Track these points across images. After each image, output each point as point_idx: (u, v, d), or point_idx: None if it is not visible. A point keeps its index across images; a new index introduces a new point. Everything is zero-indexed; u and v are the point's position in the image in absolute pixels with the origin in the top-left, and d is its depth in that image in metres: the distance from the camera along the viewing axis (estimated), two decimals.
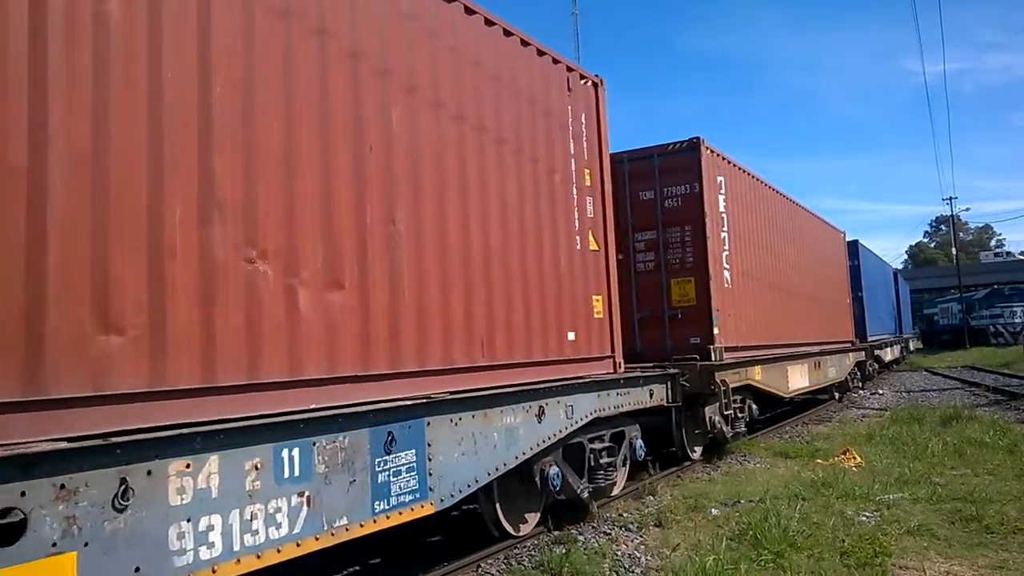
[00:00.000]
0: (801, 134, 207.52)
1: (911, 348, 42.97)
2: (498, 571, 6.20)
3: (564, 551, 6.23)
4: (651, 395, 8.38)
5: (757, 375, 11.74)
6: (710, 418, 10.22)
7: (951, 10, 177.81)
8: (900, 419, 13.83)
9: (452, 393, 5.47)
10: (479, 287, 6.09)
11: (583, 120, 7.92)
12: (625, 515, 7.66)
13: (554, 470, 6.68)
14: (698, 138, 10.97)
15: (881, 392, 21.67)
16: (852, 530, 6.54)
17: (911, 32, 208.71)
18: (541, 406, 6.42)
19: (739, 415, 11.22)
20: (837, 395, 19.14)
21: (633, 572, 5.92)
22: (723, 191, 11.65)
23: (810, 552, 5.91)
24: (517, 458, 6.07)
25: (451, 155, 5.93)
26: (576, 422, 6.92)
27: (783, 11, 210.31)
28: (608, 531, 7.08)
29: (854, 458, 10.14)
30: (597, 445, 7.49)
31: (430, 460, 5.17)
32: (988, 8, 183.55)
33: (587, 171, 7.91)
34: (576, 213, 7.63)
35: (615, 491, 8.23)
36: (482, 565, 6.29)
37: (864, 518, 7.03)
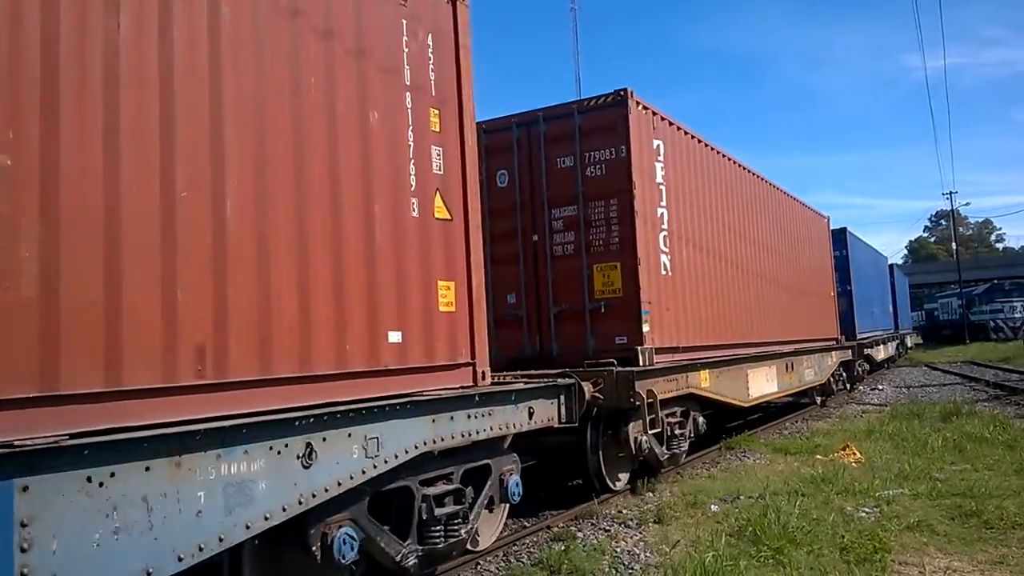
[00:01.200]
0: (801, 130, 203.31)
1: (909, 345, 40.69)
2: (497, 568, 6.08)
3: (563, 548, 6.15)
4: (531, 415, 6.15)
5: (704, 382, 9.50)
6: (634, 439, 7.99)
7: (951, 5, 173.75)
8: (900, 415, 13.62)
9: (82, 435, 3.25)
10: (197, 263, 3.88)
11: (429, 42, 5.69)
12: (624, 512, 7.55)
13: (344, 533, 4.47)
14: (626, 90, 8.73)
15: (881, 388, 21.23)
16: (852, 526, 6.43)
17: (911, 28, 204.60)
18: (309, 443, 4.20)
19: (678, 432, 8.97)
20: (819, 399, 16.85)
21: (633, 569, 5.82)
22: (661, 158, 9.41)
23: (810, 548, 5.79)
24: (251, 526, 3.85)
25: (144, 42, 3.71)
26: (386, 461, 4.71)
27: (783, 7, 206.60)
28: (607, 528, 6.96)
29: (854, 454, 9.87)
30: (437, 489, 5.28)
31: (26, 550, 2.96)
32: (988, 3, 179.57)
33: (434, 112, 5.70)
34: (412, 167, 5.42)
35: (480, 546, 6.04)
36: (480, 562, 6.14)
37: (864, 514, 6.89)
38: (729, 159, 11.71)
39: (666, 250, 9.30)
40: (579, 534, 6.71)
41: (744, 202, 12.23)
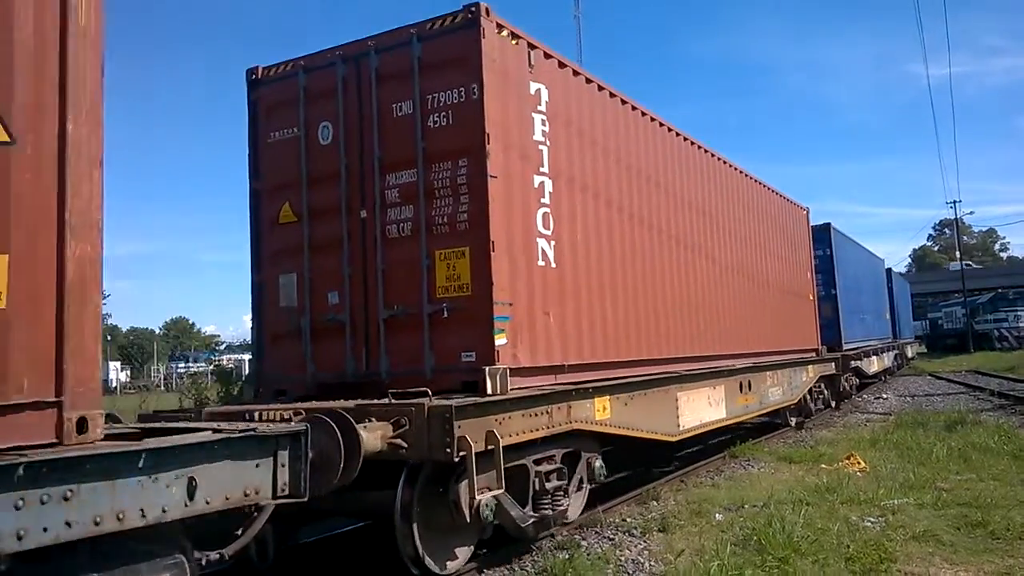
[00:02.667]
0: (805, 139, 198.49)
1: (910, 355, 37.65)
2: None
3: (567, 556, 5.91)
4: (192, 491, 3.45)
5: (601, 412, 6.76)
6: (471, 502, 5.24)
7: (955, 14, 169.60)
8: (904, 424, 13.19)
9: None
10: None
11: None
12: (628, 520, 7.22)
13: None
14: (478, 5, 6.04)
15: (885, 397, 20.63)
16: (857, 535, 6.21)
17: (915, 37, 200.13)
18: None
19: (552, 485, 6.20)
20: (794, 421, 14.01)
21: None
22: (543, 107, 6.71)
23: (815, 558, 5.57)
24: None
25: None
26: None
27: (786, 16, 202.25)
28: (611, 536, 6.64)
29: (858, 463, 9.58)
30: None
31: None
32: (992, 12, 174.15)
33: None
34: None
35: None
36: (485, 571, 5.89)
37: (869, 523, 6.69)
38: (659, 123, 8.98)
39: (547, 233, 6.60)
40: (583, 543, 6.43)
41: (674, 177, 9.47)
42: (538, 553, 6.18)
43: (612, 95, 7.98)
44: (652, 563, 5.86)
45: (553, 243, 6.69)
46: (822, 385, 15.36)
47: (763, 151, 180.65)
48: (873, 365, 21.82)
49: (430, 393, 5.23)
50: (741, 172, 11.72)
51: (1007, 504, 7.03)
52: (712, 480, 9.19)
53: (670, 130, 9.26)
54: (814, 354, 14.72)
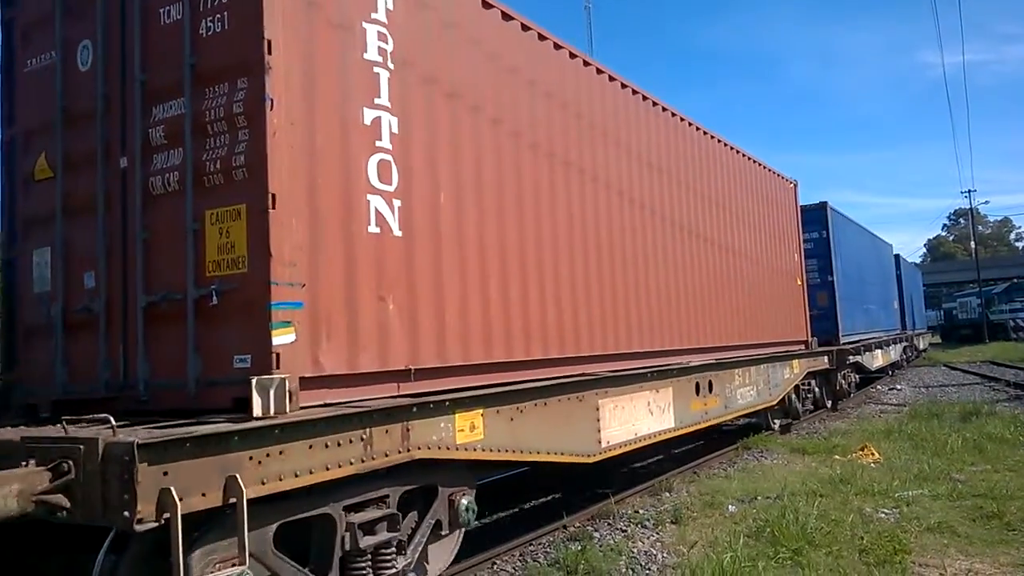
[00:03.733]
0: (817, 128, 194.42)
1: (921, 347, 35.32)
2: (513, 568, 5.73)
3: (580, 548, 5.82)
4: None
5: (468, 432, 4.83)
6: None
7: (968, 1, 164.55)
8: (918, 415, 13.00)
9: None
10: None
11: None
12: (641, 512, 7.12)
13: None
14: None
15: (899, 387, 20.20)
16: (871, 527, 6.12)
17: (926, 24, 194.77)
18: None
19: (368, 542, 4.24)
20: (777, 424, 12.00)
21: (649, 570, 5.57)
22: (381, 15, 4.78)
23: (829, 549, 5.51)
24: None
25: None
26: None
27: (797, 4, 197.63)
28: (624, 528, 6.60)
29: (872, 454, 9.37)
30: None
31: None
32: None
33: None
34: None
35: None
36: (497, 562, 5.80)
37: (883, 515, 6.59)
38: (582, 60, 6.99)
39: (386, 188, 4.68)
40: (595, 534, 6.37)
41: (611, 123, 7.50)
42: (550, 544, 6.12)
43: (507, 16, 6.03)
44: (665, 555, 5.80)
45: (398, 202, 4.77)
46: (812, 383, 13.31)
47: (774, 140, 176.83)
48: (877, 359, 19.58)
49: (112, 420, 3.32)
50: (705, 132, 9.66)
51: (1023, 495, 6.90)
52: (725, 472, 9.06)
53: (599, 71, 7.27)
54: (802, 347, 12.67)
